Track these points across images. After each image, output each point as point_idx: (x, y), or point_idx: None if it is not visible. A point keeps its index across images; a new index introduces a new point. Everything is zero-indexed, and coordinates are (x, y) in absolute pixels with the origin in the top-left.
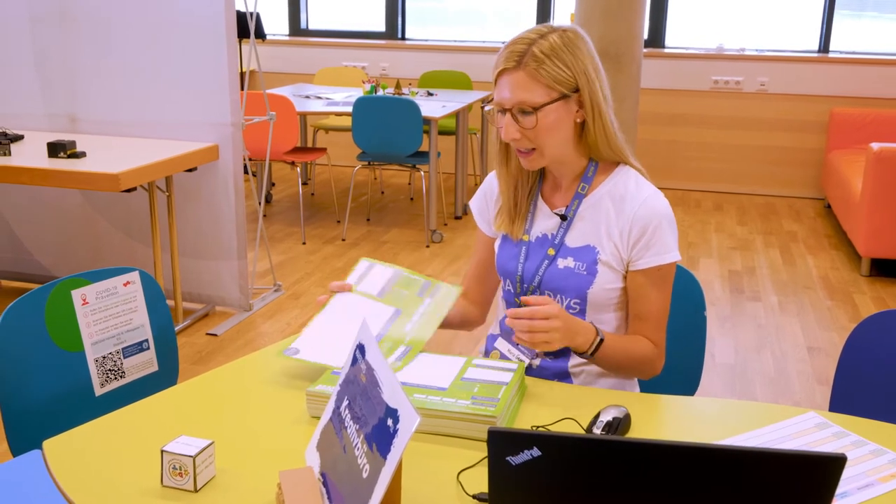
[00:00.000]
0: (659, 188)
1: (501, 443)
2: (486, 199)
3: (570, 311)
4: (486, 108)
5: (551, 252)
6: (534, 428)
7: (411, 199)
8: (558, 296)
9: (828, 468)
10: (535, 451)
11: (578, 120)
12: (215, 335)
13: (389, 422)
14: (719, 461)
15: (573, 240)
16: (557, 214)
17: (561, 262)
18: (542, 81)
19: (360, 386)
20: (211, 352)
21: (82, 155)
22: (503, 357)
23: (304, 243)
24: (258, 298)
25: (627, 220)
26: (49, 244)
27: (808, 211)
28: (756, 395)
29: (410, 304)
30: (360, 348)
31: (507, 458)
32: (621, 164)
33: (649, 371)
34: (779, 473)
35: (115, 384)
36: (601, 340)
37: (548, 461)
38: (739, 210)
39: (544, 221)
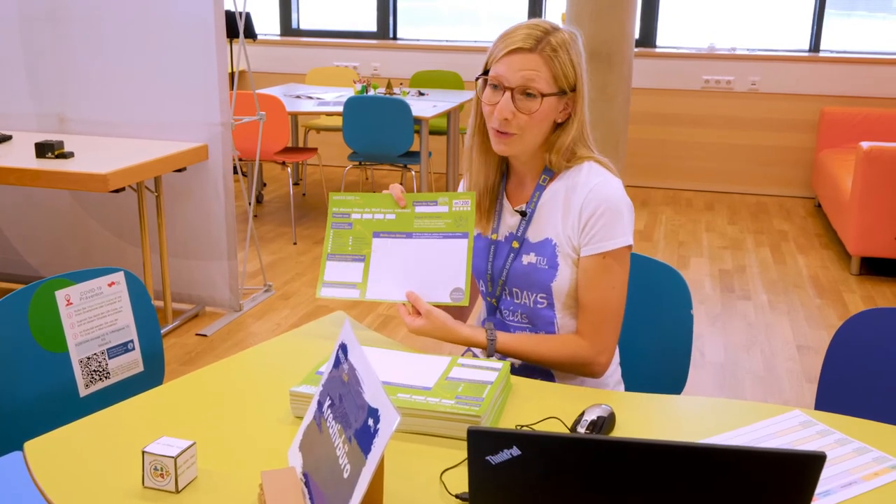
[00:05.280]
0: (650, 188)
1: (481, 442)
2: None
3: (538, 305)
4: (479, 86)
5: (515, 245)
6: (518, 427)
7: None
8: (525, 292)
9: (807, 467)
10: (515, 451)
11: (559, 120)
12: (205, 336)
13: (370, 422)
14: (699, 460)
15: (534, 235)
16: (518, 212)
17: (525, 259)
18: (552, 71)
19: (342, 386)
20: (201, 352)
21: (70, 155)
22: (475, 355)
23: (294, 244)
24: (248, 299)
25: (577, 209)
26: (38, 245)
27: (798, 210)
28: (745, 394)
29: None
30: (343, 348)
31: (487, 458)
32: (582, 158)
33: (584, 371)
34: (758, 472)
35: (99, 385)
36: (492, 345)
37: (527, 460)
38: (730, 209)
39: (509, 219)
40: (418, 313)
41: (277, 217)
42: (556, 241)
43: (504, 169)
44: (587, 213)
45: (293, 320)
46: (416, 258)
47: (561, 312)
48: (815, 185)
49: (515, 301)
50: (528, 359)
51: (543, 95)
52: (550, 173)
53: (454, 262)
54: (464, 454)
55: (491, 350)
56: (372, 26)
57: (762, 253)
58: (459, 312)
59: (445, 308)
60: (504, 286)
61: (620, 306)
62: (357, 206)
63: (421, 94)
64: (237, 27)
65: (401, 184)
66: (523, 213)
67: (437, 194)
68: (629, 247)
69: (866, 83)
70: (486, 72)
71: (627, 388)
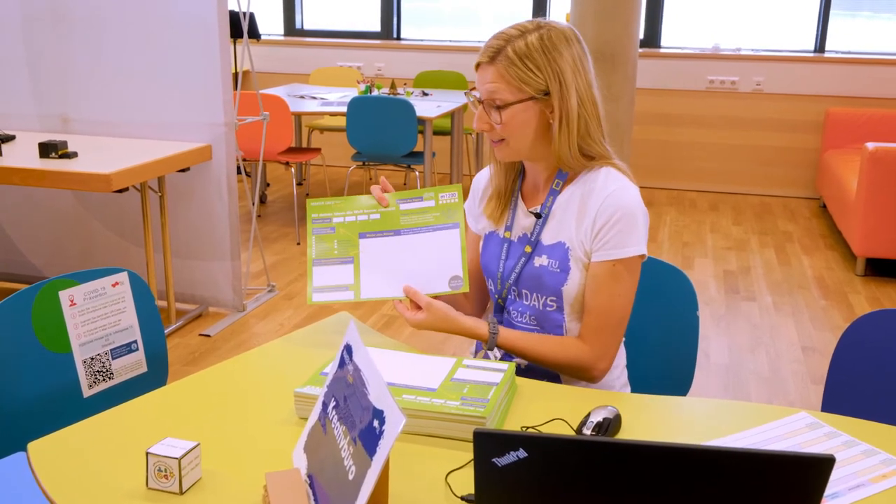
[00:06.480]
0: (654, 188)
1: (487, 444)
2: (474, 196)
3: (548, 308)
4: (469, 98)
5: (528, 250)
6: (523, 429)
7: None
8: (535, 294)
9: (816, 469)
10: (521, 453)
11: (552, 121)
12: (208, 336)
13: (375, 423)
14: (706, 462)
15: (547, 237)
16: (532, 213)
17: (537, 261)
18: (510, 82)
19: (347, 387)
20: (204, 353)
21: (74, 155)
22: (486, 356)
23: (298, 244)
24: (252, 299)
25: (592, 214)
26: (41, 245)
27: (803, 211)
28: (750, 395)
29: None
30: (348, 349)
31: (493, 460)
32: (600, 162)
33: (581, 375)
34: (767, 474)
35: (103, 385)
36: (494, 339)
37: (533, 462)
38: (735, 210)
39: (523, 220)
40: (418, 308)
41: (281, 217)
42: (570, 245)
43: (520, 169)
44: (602, 219)
45: (297, 321)
46: (409, 253)
47: (570, 316)
48: (820, 186)
49: (525, 303)
50: (527, 357)
51: (503, 107)
52: (564, 176)
53: (448, 251)
54: (469, 455)
55: (492, 343)
56: (375, 26)
57: (767, 254)
58: (465, 311)
59: (449, 303)
60: (513, 287)
61: (625, 314)
62: (337, 209)
63: (425, 94)
64: (241, 27)
65: (404, 184)
66: (538, 215)
67: (422, 190)
68: (642, 256)
69: (871, 83)
70: None
71: (633, 390)
